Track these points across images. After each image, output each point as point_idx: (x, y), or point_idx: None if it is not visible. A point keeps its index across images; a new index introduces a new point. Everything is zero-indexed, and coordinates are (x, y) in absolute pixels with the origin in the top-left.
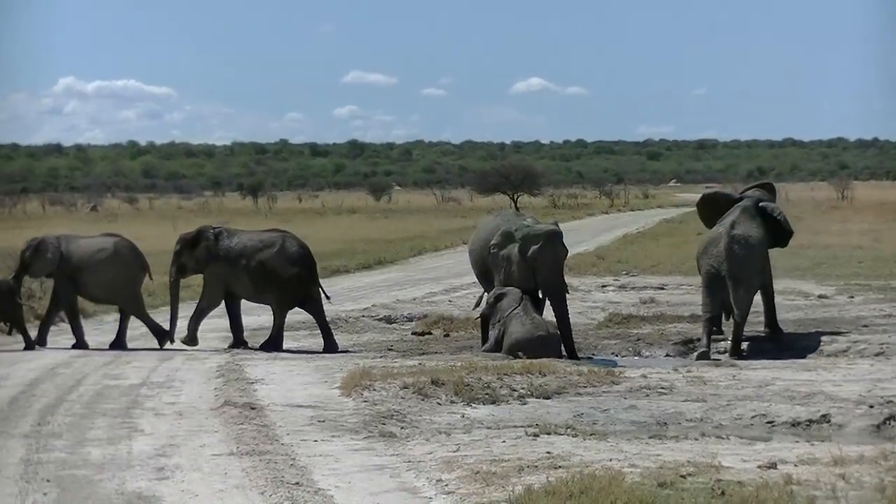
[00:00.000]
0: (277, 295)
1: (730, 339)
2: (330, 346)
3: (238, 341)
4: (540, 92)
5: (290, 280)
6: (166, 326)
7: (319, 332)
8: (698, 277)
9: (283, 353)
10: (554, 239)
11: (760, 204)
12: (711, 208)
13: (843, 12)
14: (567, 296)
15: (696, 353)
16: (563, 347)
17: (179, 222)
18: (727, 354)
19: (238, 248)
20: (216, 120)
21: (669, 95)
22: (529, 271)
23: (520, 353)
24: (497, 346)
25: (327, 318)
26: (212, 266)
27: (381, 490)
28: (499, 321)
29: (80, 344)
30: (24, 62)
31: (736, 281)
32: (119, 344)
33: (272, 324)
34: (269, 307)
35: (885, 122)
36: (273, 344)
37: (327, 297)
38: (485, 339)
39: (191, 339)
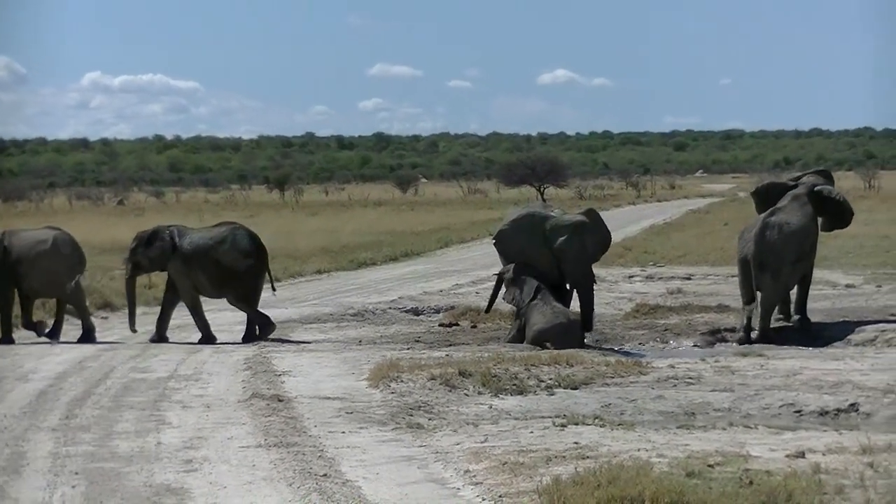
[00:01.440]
0: (239, 289)
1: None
2: (249, 336)
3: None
4: (566, 83)
5: (248, 272)
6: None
7: (245, 322)
8: (725, 267)
9: (310, 346)
10: (581, 229)
11: (816, 188)
12: (765, 199)
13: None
14: (595, 287)
15: (735, 338)
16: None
17: (206, 216)
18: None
19: (191, 248)
20: (242, 113)
21: (695, 86)
22: (555, 262)
23: (547, 344)
24: (520, 336)
25: (353, 311)
26: (170, 265)
27: (408, 481)
28: (522, 313)
29: (4, 339)
30: (50, 57)
31: (761, 267)
32: (55, 335)
33: (246, 319)
34: (295, 303)
35: None
36: (250, 336)
37: (273, 290)
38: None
39: (207, 339)
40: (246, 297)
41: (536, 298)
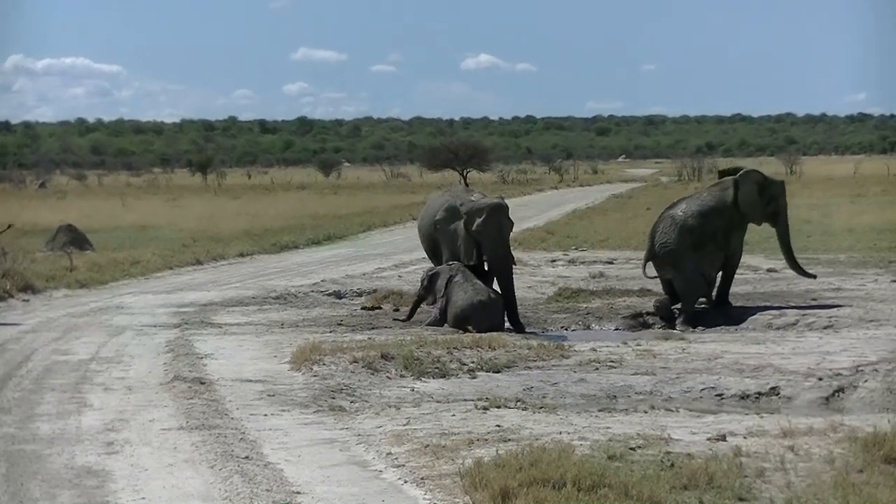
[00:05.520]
0: None
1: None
2: None
3: None
4: (489, 68)
5: None
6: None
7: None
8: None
9: (233, 328)
10: (498, 211)
11: (761, 176)
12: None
13: None
14: (514, 268)
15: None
16: (507, 319)
17: (128, 199)
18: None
19: None
20: (165, 97)
21: (618, 71)
22: (475, 245)
23: (469, 328)
24: (442, 318)
25: (276, 294)
26: None
27: (330, 464)
28: (441, 297)
29: None
30: None
31: (662, 260)
32: None
33: None
34: (218, 286)
35: (832, 97)
36: None
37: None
38: (410, 316)
39: None
40: None
41: (457, 277)
